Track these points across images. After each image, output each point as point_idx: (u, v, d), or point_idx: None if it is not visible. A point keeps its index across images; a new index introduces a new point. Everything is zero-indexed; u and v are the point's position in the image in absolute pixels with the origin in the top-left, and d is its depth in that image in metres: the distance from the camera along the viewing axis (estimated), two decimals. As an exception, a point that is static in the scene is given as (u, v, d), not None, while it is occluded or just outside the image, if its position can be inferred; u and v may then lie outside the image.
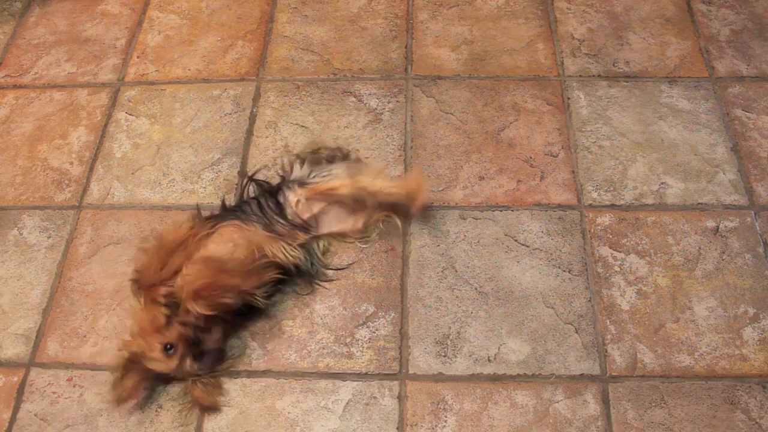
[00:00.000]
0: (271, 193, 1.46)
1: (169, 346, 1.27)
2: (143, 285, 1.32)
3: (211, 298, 1.27)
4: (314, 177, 1.46)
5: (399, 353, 1.39)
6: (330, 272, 1.49)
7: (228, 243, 1.34)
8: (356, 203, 1.46)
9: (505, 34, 1.88)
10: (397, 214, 1.51)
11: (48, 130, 1.77)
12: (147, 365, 1.28)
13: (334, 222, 1.48)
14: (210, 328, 1.30)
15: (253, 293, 1.35)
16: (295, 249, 1.40)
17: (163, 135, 1.74)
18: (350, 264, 1.50)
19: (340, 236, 1.49)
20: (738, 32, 1.86)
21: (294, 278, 1.46)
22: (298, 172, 1.50)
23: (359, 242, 1.51)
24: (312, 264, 1.45)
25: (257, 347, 1.41)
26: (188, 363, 1.28)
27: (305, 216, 1.44)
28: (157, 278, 1.30)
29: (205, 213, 1.49)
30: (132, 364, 1.29)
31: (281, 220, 1.41)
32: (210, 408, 1.33)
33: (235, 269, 1.31)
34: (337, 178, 1.44)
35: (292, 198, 1.45)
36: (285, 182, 1.49)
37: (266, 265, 1.36)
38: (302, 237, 1.43)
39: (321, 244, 1.48)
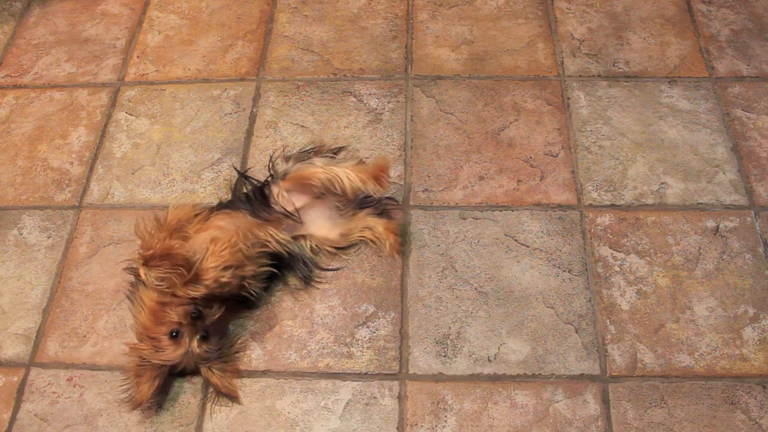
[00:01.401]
0: (259, 188, 1.49)
1: (174, 333, 1.27)
2: (144, 255, 1.32)
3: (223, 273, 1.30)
4: (295, 168, 1.48)
5: (399, 353, 1.39)
6: (329, 273, 1.49)
7: (217, 229, 1.35)
8: (332, 195, 1.46)
9: (505, 34, 1.88)
10: (380, 239, 1.51)
11: (48, 130, 1.77)
12: (157, 361, 1.28)
13: (314, 223, 1.48)
14: (210, 303, 1.31)
15: (249, 281, 1.36)
16: (284, 233, 1.42)
17: (163, 135, 1.74)
18: (349, 263, 1.50)
19: (321, 240, 1.49)
20: (738, 32, 1.86)
21: (291, 275, 1.47)
22: (283, 167, 1.52)
23: (340, 253, 1.51)
24: (304, 261, 1.46)
25: (257, 347, 1.41)
26: (196, 344, 1.28)
27: (289, 209, 1.45)
28: (158, 251, 1.30)
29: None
30: (143, 366, 1.29)
31: (266, 208, 1.43)
32: (230, 395, 1.33)
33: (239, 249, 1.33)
34: (312, 167, 1.46)
35: (275, 190, 1.47)
36: (271, 178, 1.51)
37: (258, 252, 1.38)
38: (287, 223, 1.44)
39: (308, 243, 1.48)
